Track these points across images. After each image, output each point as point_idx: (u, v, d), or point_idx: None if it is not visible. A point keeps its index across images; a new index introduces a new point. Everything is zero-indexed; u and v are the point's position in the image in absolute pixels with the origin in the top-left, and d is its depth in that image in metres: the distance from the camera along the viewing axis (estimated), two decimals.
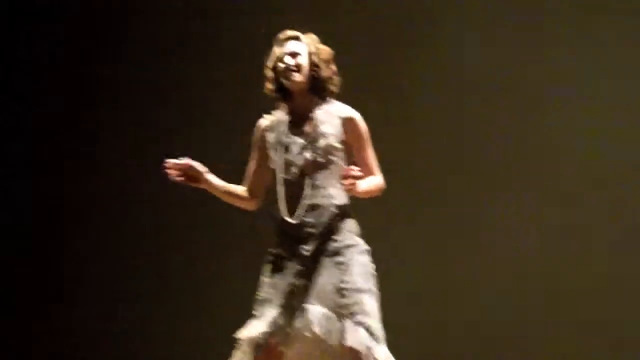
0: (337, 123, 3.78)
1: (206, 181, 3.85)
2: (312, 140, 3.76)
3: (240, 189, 3.94)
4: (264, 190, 3.92)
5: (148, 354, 6.23)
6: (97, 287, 6.42)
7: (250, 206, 3.96)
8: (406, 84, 5.77)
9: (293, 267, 3.70)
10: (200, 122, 6.32)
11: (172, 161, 3.81)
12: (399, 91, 5.70)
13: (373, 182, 3.75)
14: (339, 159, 3.76)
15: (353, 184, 3.55)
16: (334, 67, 3.84)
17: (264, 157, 3.88)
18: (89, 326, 6.35)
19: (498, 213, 5.64)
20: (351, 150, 3.80)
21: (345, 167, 3.63)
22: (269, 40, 5.75)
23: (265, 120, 3.91)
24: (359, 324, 3.58)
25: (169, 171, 3.81)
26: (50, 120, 6.63)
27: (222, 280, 6.12)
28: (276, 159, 3.79)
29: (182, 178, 3.82)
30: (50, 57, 6.67)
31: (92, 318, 6.36)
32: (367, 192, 3.72)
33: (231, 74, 6.19)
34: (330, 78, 3.83)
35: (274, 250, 3.79)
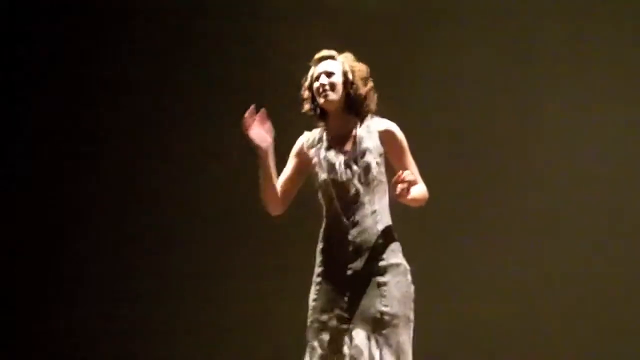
0: (376, 138, 3.80)
1: (268, 150, 3.74)
2: (354, 158, 3.77)
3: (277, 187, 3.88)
4: (289, 199, 3.90)
5: (148, 354, 6.23)
6: (97, 287, 6.42)
7: (276, 208, 3.89)
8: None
9: (339, 287, 3.72)
10: (200, 121, 6.33)
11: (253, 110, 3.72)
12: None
13: (420, 190, 3.75)
14: (381, 176, 3.79)
15: (405, 189, 3.56)
16: (370, 84, 3.86)
17: (301, 169, 3.89)
18: (89, 326, 6.36)
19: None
20: (392, 163, 3.82)
21: (398, 173, 3.61)
22: (267, 42, 5.78)
23: (306, 137, 3.93)
24: (392, 353, 3.64)
25: (247, 119, 3.70)
26: (50, 121, 6.64)
27: (223, 279, 6.12)
28: (321, 177, 3.80)
29: (254, 132, 3.71)
30: (50, 57, 6.68)
31: (92, 318, 6.37)
32: (415, 200, 3.72)
33: (231, 74, 6.22)
34: (367, 96, 3.84)
35: (319, 270, 3.80)
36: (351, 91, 3.80)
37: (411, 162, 3.82)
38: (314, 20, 5.98)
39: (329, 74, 3.82)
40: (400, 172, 3.58)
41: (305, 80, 3.90)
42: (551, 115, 5.67)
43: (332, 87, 3.79)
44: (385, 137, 3.80)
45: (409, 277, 3.76)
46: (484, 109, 5.75)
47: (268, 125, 3.74)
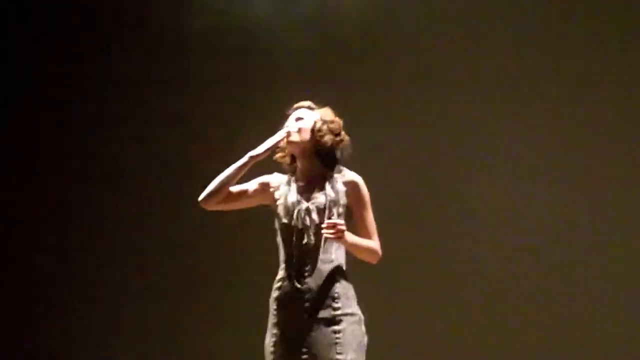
0: (341, 188, 3.83)
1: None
2: (317, 205, 3.79)
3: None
4: (228, 206, 3.92)
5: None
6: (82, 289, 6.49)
7: (217, 203, 3.90)
8: None
9: (296, 335, 3.75)
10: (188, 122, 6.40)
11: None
12: None
13: (365, 242, 3.81)
14: (341, 227, 3.73)
15: (335, 233, 3.64)
16: (342, 137, 3.91)
17: (256, 196, 3.93)
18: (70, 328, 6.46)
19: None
20: (353, 215, 3.85)
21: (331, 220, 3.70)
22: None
23: (276, 177, 3.97)
24: None
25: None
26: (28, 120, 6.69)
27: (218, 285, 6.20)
28: (282, 220, 3.83)
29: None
30: (19, 59, 6.74)
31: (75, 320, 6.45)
32: (355, 246, 3.78)
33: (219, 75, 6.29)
34: (334, 146, 3.88)
35: (274, 319, 3.82)
36: (317, 137, 3.85)
37: (371, 217, 3.87)
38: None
39: (298, 119, 3.91)
40: (333, 221, 3.67)
41: (281, 128, 3.96)
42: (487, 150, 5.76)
43: (298, 130, 3.87)
44: (350, 188, 3.84)
45: (363, 327, 3.81)
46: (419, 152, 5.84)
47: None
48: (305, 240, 3.76)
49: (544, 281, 5.61)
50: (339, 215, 3.78)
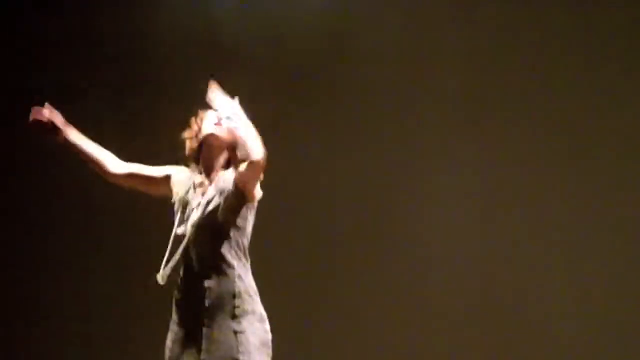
0: (230, 178, 3.70)
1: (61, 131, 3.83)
2: (209, 199, 3.69)
3: (109, 158, 3.91)
4: (126, 180, 3.90)
5: None
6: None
7: (109, 175, 3.91)
8: None
9: (194, 334, 3.64)
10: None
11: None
12: None
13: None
14: (240, 221, 3.68)
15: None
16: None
17: (158, 176, 3.88)
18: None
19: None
20: (247, 205, 3.69)
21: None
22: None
23: (175, 169, 3.88)
24: None
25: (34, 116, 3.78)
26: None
27: None
28: (177, 216, 3.75)
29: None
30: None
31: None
32: (233, 135, 3.64)
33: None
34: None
35: (174, 316, 3.73)
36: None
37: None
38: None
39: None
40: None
41: (198, 118, 3.82)
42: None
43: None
44: (232, 179, 3.69)
45: (267, 325, 3.67)
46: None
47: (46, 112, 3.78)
48: (202, 238, 3.63)
49: (495, 304, 5.64)
50: (229, 210, 3.64)
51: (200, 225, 3.65)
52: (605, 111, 5.56)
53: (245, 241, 3.70)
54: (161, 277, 3.66)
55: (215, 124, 3.73)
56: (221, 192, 3.67)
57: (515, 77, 5.68)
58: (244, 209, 3.69)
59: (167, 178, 3.86)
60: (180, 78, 6.07)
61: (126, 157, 3.93)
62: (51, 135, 3.81)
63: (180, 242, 3.68)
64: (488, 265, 5.66)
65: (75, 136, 3.85)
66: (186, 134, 3.84)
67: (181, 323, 3.68)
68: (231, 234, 3.65)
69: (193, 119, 3.84)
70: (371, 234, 5.80)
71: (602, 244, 5.53)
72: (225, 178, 3.71)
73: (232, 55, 6.06)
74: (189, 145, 3.83)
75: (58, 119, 3.82)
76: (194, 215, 3.68)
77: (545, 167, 5.63)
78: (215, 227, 3.64)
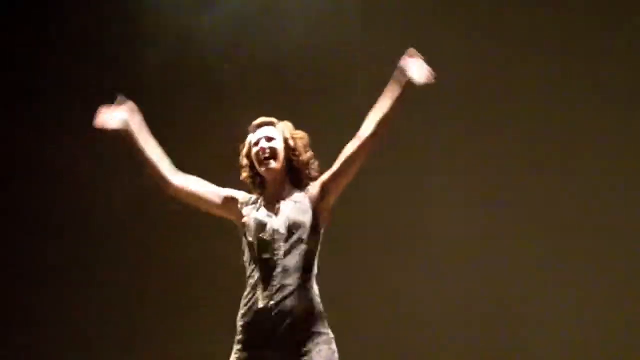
0: (307, 202, 3.70)
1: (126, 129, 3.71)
2: (286, 224, 3.65)
3: (166, 164, 3.77)
4: (187, 196, 3.76)
5: None
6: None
7: (165, 184, 3.75)
8: None
9: (261, 355, 3.59)
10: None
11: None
12: None
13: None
14: (312, 244, 3.68)
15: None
16: (311, 152, 3.78)
17: (225, 204, 3.77)
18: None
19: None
20: (328, 190, 3.70)
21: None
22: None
23: (243, 194, 3.81)
24: None
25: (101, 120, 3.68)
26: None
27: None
28: (249, 237, 3.68)
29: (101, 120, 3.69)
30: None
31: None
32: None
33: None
34: (308, 163, 3.76)
35: (240, 337, 3.66)
36: (293, 158, 3.73)
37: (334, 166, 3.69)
38: None
39: (269, 139, 3.73)
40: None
41: (243, 147, 3.81)
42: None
43: (273, 152, 3.71)
44: (317, 189, 3.70)
45: (333, 345, 3.65)
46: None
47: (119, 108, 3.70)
48: (270, 256, 3.60)
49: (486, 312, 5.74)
50: (308, 234, 3.64)
51: (283, 246, 3.63)
52: (600, 115, 5.67)
53: (315, 266, 3.72)
54: (264, 301, 3.60)
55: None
56: (297, 216, 3.66)
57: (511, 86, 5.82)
58: (320, 229, 3.72)
59: (233, 200, 3.77)
60: None
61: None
62: (117, 130, 3.69)
63: (260, 262, 3.64)
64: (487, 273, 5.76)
65: (137, 132, 3.73)
66: (242, 163, 3.82)
67: (249, 344, 3.61)
68: (306, 257, 3.66)
69: (241, 152, 3.82)
70: (364, 240, 5.90)
71: (602, 249, 5.61)
72: (301, 204, 3.69)
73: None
74: (245, 175, 3.81)
75: (125, 113, 3.71)
76: (272, 233, 3.64)
77: (539, 176, 5.74)
78: (302, 248, 3.64)
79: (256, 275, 3.64)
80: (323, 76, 6.07)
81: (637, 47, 5.66)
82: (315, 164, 3.77)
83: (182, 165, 3.81)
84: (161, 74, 6.40)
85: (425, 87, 3.54)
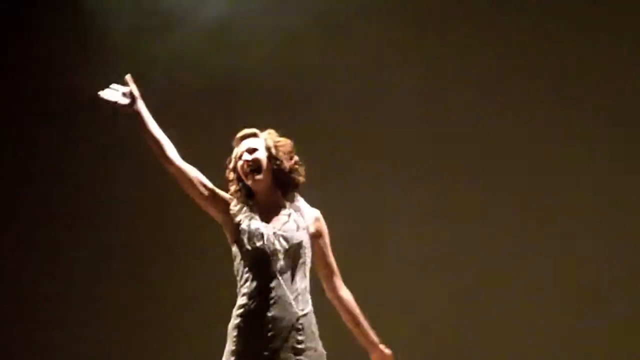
0: (306, 219, 3.76)
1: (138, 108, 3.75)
2: (283, 232, 3.69)
3: (169, 143, 3.79)
4: (183, 175, 3.75)
5: None
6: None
7: (169, 163, 3.76)
8: None
9: None
10: None
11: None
12: None
13: (355, 307, 3.81)
14: (307, 257, 3.74)
15: None
16: (295, 158, 3.81)
17: (216, 205, 3.79)
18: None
19: None
20: (315, 248, 3.78)
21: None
22: None
23: (235, 202, 3.82)
24: None
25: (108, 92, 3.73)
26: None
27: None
28: (247, 246, 3.69)
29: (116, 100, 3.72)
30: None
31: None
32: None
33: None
34: (292, 169, 3.78)
35: (233, 347, 3.66)
36: (275, 167, 3.75)
37: (331, 252, 3.83)
38: None
39: (252, 151, 3.77)
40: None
41: (230, 161, 3.85)
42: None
43: (257, 163, 3.74)
44: (314, 220, 3.79)
45: None
46: None
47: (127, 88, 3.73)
48: (267, 266, 3.63)
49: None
50: (306, 245, 3.71)
51: (282, 258, 3.68)
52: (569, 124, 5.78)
53: (308, 280, 3.76)
54: (260, 312, 3.64)
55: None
56: (298, 229, 3.72)
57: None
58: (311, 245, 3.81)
59: (224, 202, 3.79)
60: None
61: None
62: (125, 106, 3.72)
63: (257, 272, 3.66)
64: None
65: (145, 112, 3.75)
66: (229, 177, 3.85)
67: (243, 354, 3.63)
68: (302, 270, 3.73)
69: (228, 167, 3.86)
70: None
71: (564, 262, 5.69)
72: (305, 216, 3.77)
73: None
74: (234, 189, 3.83)
75: (136, 91, 3.74)
76: (274, 244, 3.67)
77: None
78: (294, 261, 3.70)
79: (252, 285, 3.65)
80: (282, 95, 6.14)
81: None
82: (300, 169, 3.81)
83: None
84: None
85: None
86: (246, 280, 3.67)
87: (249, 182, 3.76)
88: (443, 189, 5.91)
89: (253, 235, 3.68)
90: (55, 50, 6.61)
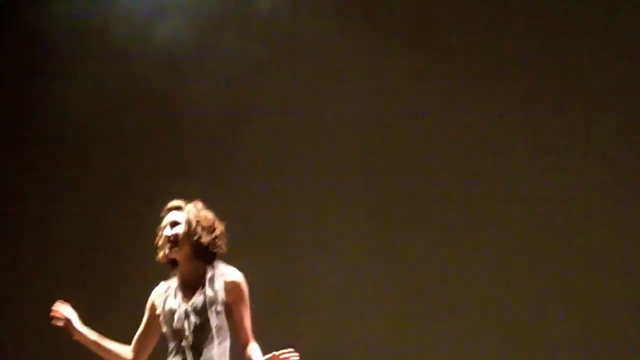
0: (221, 286, 3.95)
1: (75, 330, 4.06)
2: (195, 307, 3.91)
3: (123, 349, 4.09)
4: (147, 352, 4.09)
5: None
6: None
7: None
8: None
9: None
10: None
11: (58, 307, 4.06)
12: None
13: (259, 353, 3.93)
14: (222, 322, 3.95)
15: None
16: (217, 232, 4.01)
17: (152, 322, 4.06)
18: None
19: None
20: (231, 309, 3.97)
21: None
22: None
23: (160, 287, 4.09)
24: None
25: (55, 315, 4.05)
26: None
27: None
28: (163, 328, 3.98)
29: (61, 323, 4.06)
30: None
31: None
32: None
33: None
34: (211, 244, 3.98)
35: None
36: (193, 240, 3.95)
37: (248, 314, 3.99)
38: None
39: (174, 224, 4.00)
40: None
41: (159, 229, 4.06)
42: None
43: (175, 239, 3.96)
44: (231, 287, 3.96)
45: None
46: None
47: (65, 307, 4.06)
48: (183, 343, 3.87)
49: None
50: (217, 314, 3.91)
51: (194, 330, 3.91)
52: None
53: (227, 343, 3.99)
54: None
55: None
56: (211, 302, 3.93)
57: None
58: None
59: (152, 314, 4.06)
60: None
61: None
62: (68, 330, 4.04)
63: (177, 349, 3.93)
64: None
65: (88, 334, 4.05)
66: (158, 243, 4.07)
67: None
68: (218, 336, 3.96)
69: (159, 234, 4.07)
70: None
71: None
72: (216, 289, 3.95)
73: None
74: (160, 256, 4.06)
75: (74, 319, 4.04)
76: (187, 321, 3.92)
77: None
78: (207, 329, 3.92)
79: (172, 358, 3.96)
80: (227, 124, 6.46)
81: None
82: (221, 243, 4.02)
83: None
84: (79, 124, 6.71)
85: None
86: (169, 353, 3.97)
87: (168, 254, 3.99)
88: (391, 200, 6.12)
89: (166, 317, 3.97)
90: None
